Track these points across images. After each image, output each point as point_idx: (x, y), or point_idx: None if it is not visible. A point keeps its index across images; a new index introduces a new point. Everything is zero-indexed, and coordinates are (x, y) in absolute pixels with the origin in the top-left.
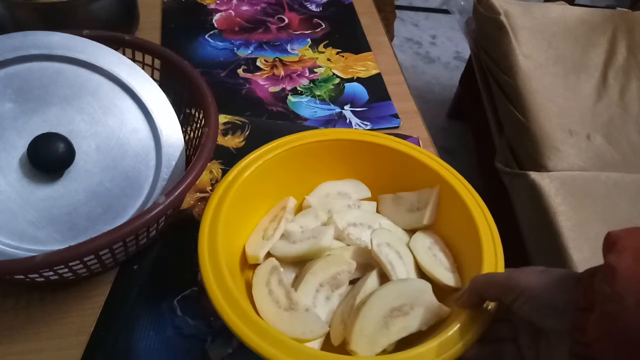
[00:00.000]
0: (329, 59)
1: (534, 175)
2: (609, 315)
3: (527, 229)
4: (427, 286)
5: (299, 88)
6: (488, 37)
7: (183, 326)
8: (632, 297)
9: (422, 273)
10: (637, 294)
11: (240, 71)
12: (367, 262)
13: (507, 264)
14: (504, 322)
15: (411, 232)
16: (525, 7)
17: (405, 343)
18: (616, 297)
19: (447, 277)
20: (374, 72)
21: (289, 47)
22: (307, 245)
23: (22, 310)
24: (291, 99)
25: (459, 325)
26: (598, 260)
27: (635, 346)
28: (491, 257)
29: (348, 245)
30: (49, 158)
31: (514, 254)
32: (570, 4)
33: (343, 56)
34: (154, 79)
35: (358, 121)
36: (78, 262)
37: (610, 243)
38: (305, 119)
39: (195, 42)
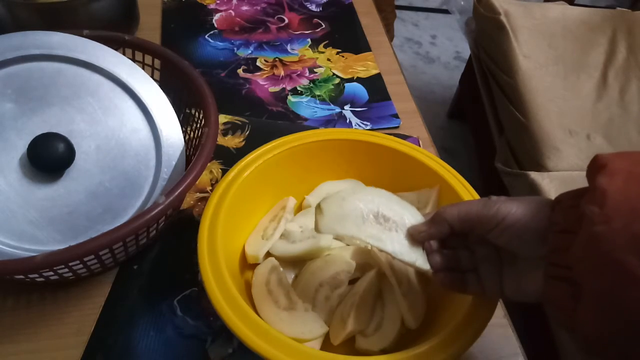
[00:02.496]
0: (329, 59)
1: (534, 175)
2: (594, 237)
3: None
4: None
5: (299, 88)
6: (488, 37)
7: (183, 326)
8: (621, 219)
9: (421, 273)
10: (626, 216)
11: (240, 71)
12: (367, 262)
13: None
14: (464, 252)
15: None
16: (525, 7)
17: (405, 343)
18: (605, 218)
19: None
20: (374, 72)
21: (289, 47)
22: (307, 245)
23: (22, 310)
24: (291, 99)
25: (458, 325)
26: None
27: (618, 268)
28: None
29: (347, 245)
30: (49, 158)
31: None
32: (570, 4)
33: (343, 56)
34: (154, 79)
35: (358, 121)
36: (78, 262)
37: (599, 166)
38: (305, 119)
39: (195, 42)
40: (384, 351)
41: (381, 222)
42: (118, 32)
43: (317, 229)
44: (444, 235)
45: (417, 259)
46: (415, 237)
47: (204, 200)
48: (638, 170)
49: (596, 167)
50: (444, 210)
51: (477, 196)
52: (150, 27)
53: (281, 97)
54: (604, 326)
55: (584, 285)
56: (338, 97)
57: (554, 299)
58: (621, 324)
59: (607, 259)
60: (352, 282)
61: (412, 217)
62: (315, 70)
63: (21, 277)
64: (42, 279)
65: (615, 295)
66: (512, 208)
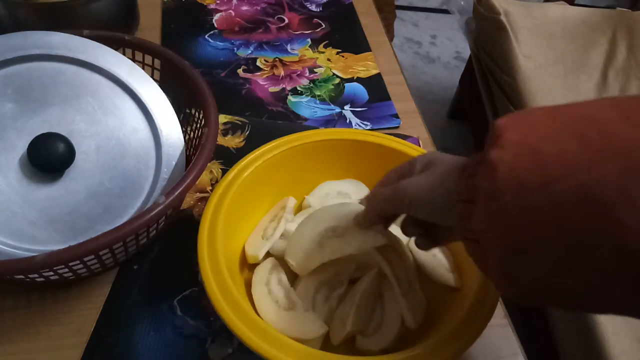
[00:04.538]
0: (329, 59)
1: None
2: (490, 211)
3: None
4: (359, 207)
5: (299, 88)
6: (488, 37)
7: (183, 326)
8: (510, 195)
9: (421, 273)
10: (515, 193)
11: (240, 71)
12: (367, 262)
13: None
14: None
15: None
16: (525, 7)
17: (405, 343)
18: (496, 194)
19: (447, 277)
20: (374, 72)
21: (289, 47)
22: None
23: (22, 310)
24: (291, 99)
25: (458, 325)
26: None
27: (512, 242)
28: None
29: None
30: (49, 158)
31: None
32: (570, 4)
33: (343, 56)
34: (154, 79)
35: (358, 121)
36: (78, 262)
37: (495, 136)
38: (305, 119)
39: (195, 42)
40: (384, 351)
41: (333, 234)
42: (118, 32)
43: (298, 274)
44: (379, 222)
45: (376, 241)
46: (362, 226)
47: (204, 200)
48: (529, 141)
49: (492, 137)
50: (368, 199)
51: None
52: (150, 27)
53: (281, 97)
54: (508, 288)
55: (488, 252)
56: (338, 97)
57: (471, 254)
58: (520, 290)
59: (501, 232)
60: (352, 282)
61: (352, 209)
62: (315, 70)
63: (21, 277)
64: (42, 279)
65: (511, 267)
66: (416, 189)
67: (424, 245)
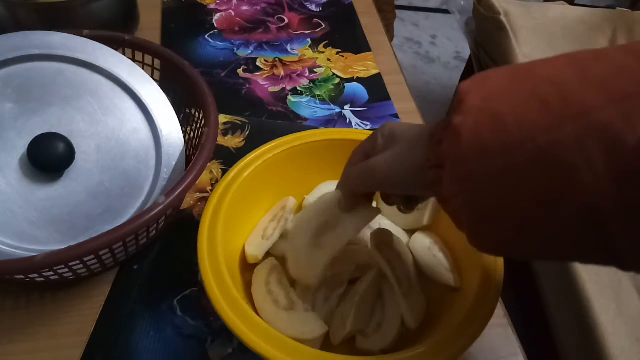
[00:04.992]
0: (329, 59)
1: None
2: (457, 176)
3: None
4: (339, 194)
5: (299, 88)
6: (488, 37)
7: (183, 326)
8: (474, 161)
9: (421, 273)
10: (478, 158)
11: (240, 71)
12: (367, 262)
13: (507, 263)
14: None
15: (411, 232)
16: (525, 7)
17: (405, 343)
18: (461, 159)
19: (447, 278)
20: (374, 72)
21: (289, 47)
22: None
23: (22, 310)
24: (291, 99)
25: (458, 325)
26: None
27: (483, 204)
28: (491, 256)
29: (348, 245)
30: (49, 158)
31: None
32: (570, 4)
33: (343, 56)
34: (154, 79)
35: (358, 121)
36: (78, 262)
37: (458, 101)
38: (305, 119)
39: (195, 42)
40: (384, 351)
41: (326, 229)
42: (118, 32)
43: (314, 286)
44: (358, 203)
45: (369, 216)
46: (347, 211)
47: (204, 200)
48: (490, 106)
49: (457, 101)
50: (343, 183)
51: None
52: (150, 27)
53: (281, 97)
54: (482, 246)
55: (459, 214)
56: (338, 97)
57: (448, 214)
58: (492, 247)
59: (469, 197)
60: (352, 282)
61: (332, 198)
62: (315, 70)
63: (21, 277)
64: (42, 279)
65: (481, 228)
66: (382, 166)
67: (408, 209)
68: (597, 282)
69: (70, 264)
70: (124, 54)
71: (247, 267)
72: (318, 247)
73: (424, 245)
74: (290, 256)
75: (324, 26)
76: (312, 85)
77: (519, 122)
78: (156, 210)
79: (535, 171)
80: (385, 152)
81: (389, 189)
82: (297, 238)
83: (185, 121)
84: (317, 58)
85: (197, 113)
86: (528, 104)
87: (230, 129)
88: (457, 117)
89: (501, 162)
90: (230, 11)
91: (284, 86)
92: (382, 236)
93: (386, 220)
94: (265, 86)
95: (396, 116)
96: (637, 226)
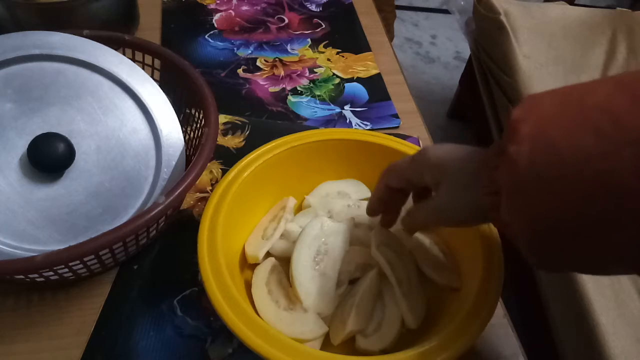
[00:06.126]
0: (329, 59)
1: None
2: (514, 204)
3: None
4: (323, 218)
5: (299, 88)
6: (488, 37)
7: (183, 326)
8: (532, 189)
9: (421, 273)
10: (536, 186)
11: (240, 71)
12: (367, 262)
13: (507, 263)
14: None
15: None
16: (525, 7)
17: (405, 343)
18: (518, 188)
19: (447, 278)
20: (374, 72)
21: (289, 47)
22: None
23: (22, 310)
24: (291, 99)
25: (458, 325)
26: None
27: (542, 228)
28: (491, 256)
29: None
30: (49, 158)
31: (514, 252)
32: (570, 4)
33: (343, 56)
34: (154, 79)
35: (358, 121)
36: (78, 262)
37: (512, 129)
38: (305, 119)
39: (195, 42)
40: (384, 351)
41: (322, 256)
42: (118, 32)
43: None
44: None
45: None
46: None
47: (204, 200)
48: (544, 134)
49: (510, 129)
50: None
51: None
52: (150, 27)
53: (281, 97)
54: (540, 264)
55: (518, 237)
56: (338, 97)
57: (508, 236)
58: (549, 265)
59: (527, 222)
60: (352, 282)
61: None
62: (315, 70)
63: (21, 277)
64: (42, 279)
65: (539, 249)
66: (445, 207)
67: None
68: (597, 282)
69: (70, 264)
70: (124, 54)
71: (247, 267)
72: (323, 276)
73: (424, 245)
74: (296, 288)
75: (324, 26)
76: (312, 85)
77: (573, 149)
78: (156, 210)
79: (595, 197)
80: (440, 189)
81: (453, 225)
82: (301, 275)
83: (185, 121)
84: (317, 58)
85: (197, 113)
86: (581, 132)
87: (230, 129)
88: (512, 146)
89: (559, 189)
90: (230, 11)
91: (284, 86)
92: (383, 236)
93: None
94: (265, 86)
95: (396, 116)
96: None
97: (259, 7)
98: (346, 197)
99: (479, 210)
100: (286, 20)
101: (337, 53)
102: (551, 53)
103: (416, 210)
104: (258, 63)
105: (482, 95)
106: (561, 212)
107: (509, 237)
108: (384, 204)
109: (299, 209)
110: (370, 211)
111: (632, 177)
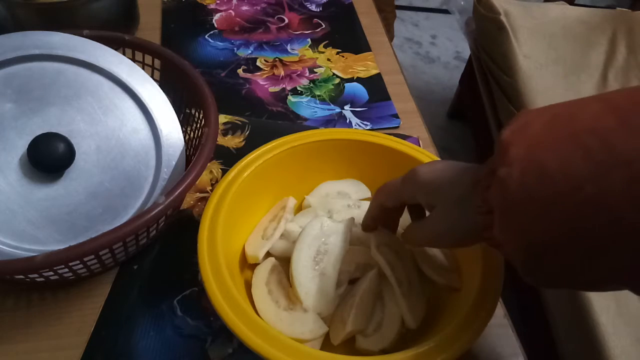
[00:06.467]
0: (329, 59)
1: None
2: (507, 225)
3: None
4: (323, 218)
5: (299, 88)
6: (488, 37)
7: (183, 326)
8: (523, 212)
9: (421, 273)
10: (527, 209)
11: (240, 71)
12: (367, 262)
13: (507, 263)
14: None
15: None
16: (525, 7)
17: (405, 343)
18: (509, 209)
19: (447, 278)
20: (374, 72)
21: (289, 47)
22: None
23: (22, 310)
24: (291, 99)
25: (458, 325)
26: None
27: (535, 249)
28: (491, 256)
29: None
30: (49, 158)
31: None
32: (570, 4)
33: (343, 56)
34: (154, 79)
35: (358, 121)
36: (78, 262)
37: (502, 150)
38: (305, 119)
39: (195, 42)
40: (384, 351)
41: (322, 256)
42: (118, 32)
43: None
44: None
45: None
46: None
47: (204, 200)
48: (534, 157)
49: (499, 152)
50: (375, 201)
51: None
52: (150, 27)
53: (281, 97)
54: (534, 281)
55: (511, 256)
56: (338, 97)
57: (502, 254)
58: (543, 282)
59: (519, 243)
60: (352, 282)
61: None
62: (315, 70)
63: (21, 277)
64: (42, 279)
65: (533, 267)
66: (441, 228)
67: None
68: None
69: (70, 264)
70: (124, 54)
71: (247, 267)
72: (323, 276)
73: None
74: (296, 288)
75: (324, 26)
76: (312, 85)
77: (564, 172)
78: (156, 210)
79: (587, 219)
80: (434, 212)
81: (449, 246)
82: (302, 276)
83: (185, 121)
84: (317, 58)
85: (197, 113)
86: (571, 154)
87: (230, 129)
88: (503, 169)
89: (551, 211)
90: (230, 11)
91: (284, 86)
92: (382, 236)
93: None
94: (265, 86)
95: (396, 116)
96: None
97: (259, 7)
98: (346, 197)
99: (474, 230)
100: (286, 20)
101: (337, 53)
102: (551, 53)
103: (412, 231)
104: (258, 63)
105: (482, 95)
106: (554, 233)
107: (504, 256)
108: (379, 221)
109: (299, 209)
110: (366, 228)
111: (622, 199)
